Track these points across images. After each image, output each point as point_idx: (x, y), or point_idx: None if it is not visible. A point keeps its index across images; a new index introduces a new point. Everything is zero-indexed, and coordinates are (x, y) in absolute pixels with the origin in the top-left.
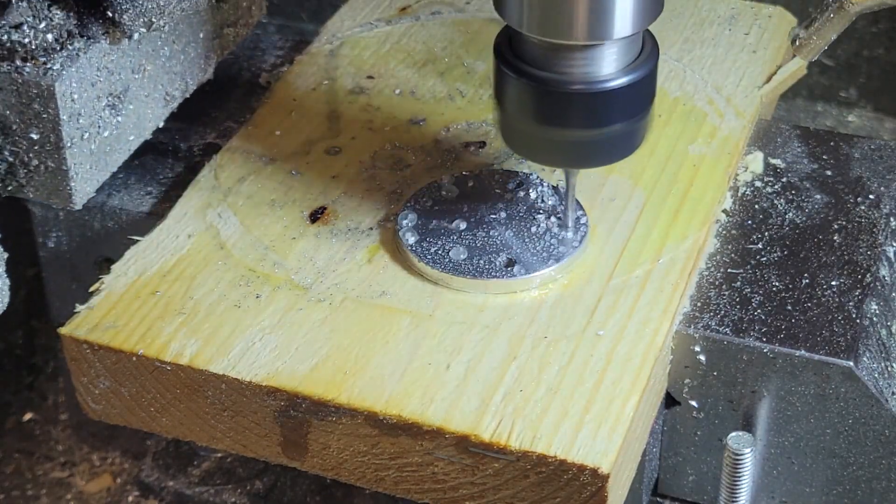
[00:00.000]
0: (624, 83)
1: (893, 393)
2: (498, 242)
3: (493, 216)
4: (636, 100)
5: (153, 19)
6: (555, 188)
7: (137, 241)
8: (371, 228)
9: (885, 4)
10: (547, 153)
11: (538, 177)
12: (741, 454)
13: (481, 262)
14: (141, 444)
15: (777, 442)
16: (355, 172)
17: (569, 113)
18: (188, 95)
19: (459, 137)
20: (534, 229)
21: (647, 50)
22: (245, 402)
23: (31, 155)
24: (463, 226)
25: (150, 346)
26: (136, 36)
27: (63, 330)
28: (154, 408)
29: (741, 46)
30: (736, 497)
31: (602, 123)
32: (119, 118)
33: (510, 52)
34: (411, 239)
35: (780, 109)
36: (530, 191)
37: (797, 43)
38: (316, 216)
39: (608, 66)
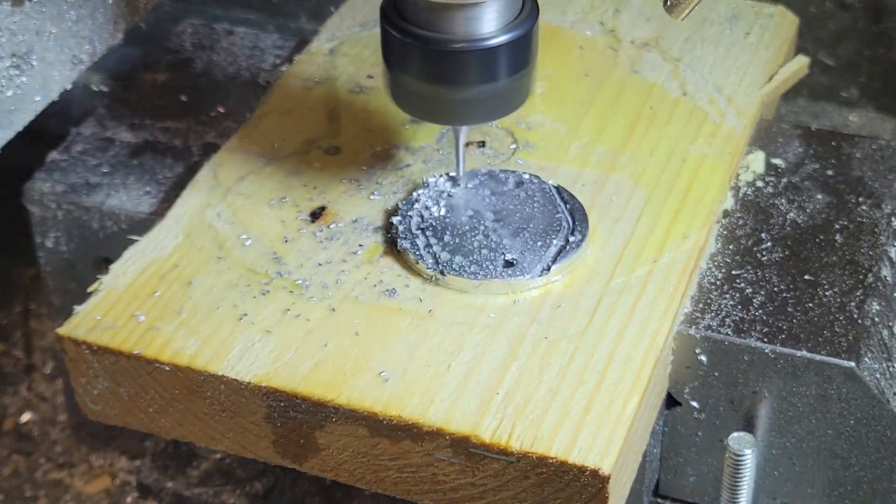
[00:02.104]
0: (504, 41)
1: (895, 393)
2: (498, 242)
3: (493, 216)
4: (517, 57)
5: None
6: (556, 188)
7: (136, 241)
8: (371, 228)
9: None
10: (433, 111)
11: (538, 177)
12: (742, 455)
13: (481, 262)
14: (140, 445)
15: (778, 443)
16: (355, 172)
17: (452, 70)
18: (97, 59)
19: None
20: (534, 229)
21: (526, 9)
22: (244, 402)
23: None
24: (463, 226)
25: (149, 346)
26: None
27: (61, 330)
28: (153, 408)
29: (742, 46)
30: (737, 498)
31: (484, 80)
32: (24, 79)
33: (395, 13)
34: (411, 239)
35: (782, 109)
36: (530, 190)
37: (668, 2)
38: (316, 216)
39: (489, 25)
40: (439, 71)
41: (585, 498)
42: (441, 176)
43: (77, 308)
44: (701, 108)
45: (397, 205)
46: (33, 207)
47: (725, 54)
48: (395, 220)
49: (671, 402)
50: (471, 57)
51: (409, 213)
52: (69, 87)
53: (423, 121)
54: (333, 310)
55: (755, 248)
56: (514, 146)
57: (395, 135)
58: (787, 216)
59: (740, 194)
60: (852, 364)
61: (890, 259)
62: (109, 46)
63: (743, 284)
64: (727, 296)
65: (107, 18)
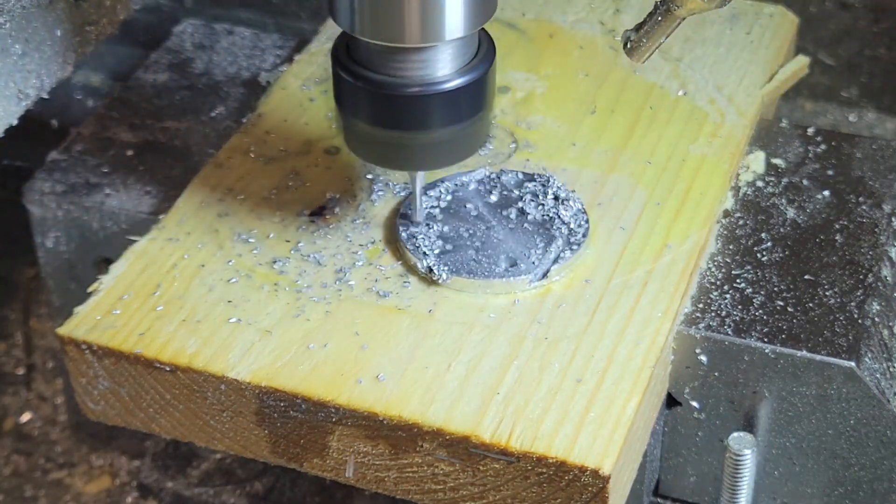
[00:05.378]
0: (459, 84)
1: (895, 393)
2: (499, 242)
3: (494, 216)
4: (472, 101)
5: None
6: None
7: (136, 241)
8: (371, 228)
9: (709, 9)
10: (387, 156)
11: (539, 176)
12: (742, 455)
13: (481, 262)
14: (140, 445)
15: (778, 443)
16: (355, 172)
17: (405, 115)
18: (45, 94)
19: None
20: (534, 229)
21: (482, 50)
22: (244, 402)
23: None
24: (463, 226)
25: (149, 346)
26: None
27: (61, 330)
28: (153, 408)
29: (742, 46)
30: (737, 498)
31: (439, 125)
32: None
33: (347, 55)
34: (411, 238)
35: (782, 109)
36: (531, 190)
37: (629, 45)
38: (316, 216)
39: (443, 68)
40: (390, 115)
41: (586, 498)
42: (443, 177)
43: (77, 308)
44: (701, 108)
45: (398, 205)
46: (33, 207)
47: (726, 54)
48: (396, 219)
49: (671, 402)
50: (423, 102)
51: (409, 213)
52: (14, 122)
53: (378, 166)
54: (333, 310)
55: (755, 248)
56: (514, 146)
57: None
58: (787, 216)
59: (740, 194)
60: (852, 364)
61: (890, 259)
62: (59, 79)
63: (743, 284)
64: (727, 296)
65: (55, 52)
